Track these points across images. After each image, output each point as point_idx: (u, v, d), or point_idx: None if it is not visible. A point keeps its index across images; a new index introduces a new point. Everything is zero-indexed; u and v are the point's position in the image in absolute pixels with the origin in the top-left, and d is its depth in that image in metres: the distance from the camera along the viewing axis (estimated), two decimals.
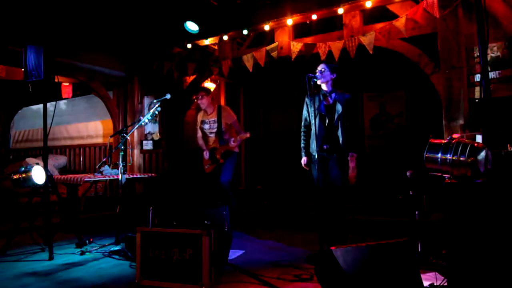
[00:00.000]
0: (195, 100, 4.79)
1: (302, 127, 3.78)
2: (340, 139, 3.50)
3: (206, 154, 4.73)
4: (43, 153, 3.83)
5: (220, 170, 4.59)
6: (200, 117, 4.85)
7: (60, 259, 3.68)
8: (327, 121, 3.55)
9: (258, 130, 8.43)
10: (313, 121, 3.45)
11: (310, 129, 3.65)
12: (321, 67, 3.58)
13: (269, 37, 5.72)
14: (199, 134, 4.88)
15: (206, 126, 4.75)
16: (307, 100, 3.64)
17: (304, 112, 3.74)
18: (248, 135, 4.48)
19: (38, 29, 4.73)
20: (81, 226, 4.73)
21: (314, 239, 3.62)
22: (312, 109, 3.47)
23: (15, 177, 3.90)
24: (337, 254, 2.25)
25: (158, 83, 6.44)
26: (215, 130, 4.67)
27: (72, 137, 8.76)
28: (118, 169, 4.28)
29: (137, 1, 5.43)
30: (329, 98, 3.60)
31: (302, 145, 3.76)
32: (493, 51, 4.02)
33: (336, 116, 3.52)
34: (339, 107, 3.51)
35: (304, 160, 3.73)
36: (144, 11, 5.57)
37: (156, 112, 4.15)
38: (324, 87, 3.62)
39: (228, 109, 4.79)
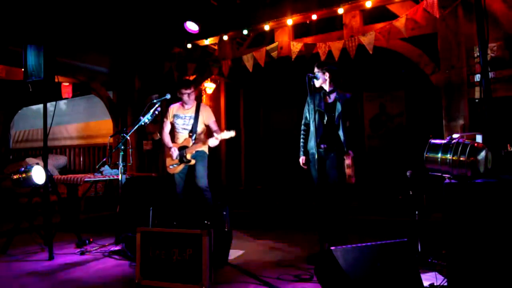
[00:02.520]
0: (184, 93, 4.29)
1: (302, 125, 3.77)
2: (342, 138, 3.49)
3: (174, 151, 4.27)
4: (43, 153, 3.84)
5: (191, 173, 4.33)
6: (173, 110, 4.43)
7: (60, 259, 3.68)
8: (325, 118, 3.54)
9: (258, 130, 8.43)
10: (312, 118, 3.44)
11: (310, 128, 3.65)
12: (314, 71, 3.61)
13: (269, 37, 5.72)
14: (167, 129, 4.45)
15: (180, 121, 4.38)
16: (308, 98, 3.62)
17: (305, 110, 3.73)
18: (233, 133, 4.12)
19: (38, 29, 4.72)
20: (81, 226, 4.74)
21: (314, 239, 3.62)
22: (312, 106, 3.47)
23: (15, 177, 3.89)
24: (337, 254, 2.26)
25: (158, 83, 6.44)
26: (189, 127, 4.34)
27: (72, 137, 8.77)
28: (118, 169, 4.28)
29: (137, 1, 5.43)
30: (329, 97, 3.60)
31: (301, 143, 3.75)
32: (493, 51, 4.01)
33: (336, 115, 3.51)
34: (339, 106, 3.50)
35: (302, 159, 3.73)
36: (144, 11, 5.58)
37: (156, 112, 4.15)
38: (325, 86, 3.63)
39: (208, 108, 4.53)
